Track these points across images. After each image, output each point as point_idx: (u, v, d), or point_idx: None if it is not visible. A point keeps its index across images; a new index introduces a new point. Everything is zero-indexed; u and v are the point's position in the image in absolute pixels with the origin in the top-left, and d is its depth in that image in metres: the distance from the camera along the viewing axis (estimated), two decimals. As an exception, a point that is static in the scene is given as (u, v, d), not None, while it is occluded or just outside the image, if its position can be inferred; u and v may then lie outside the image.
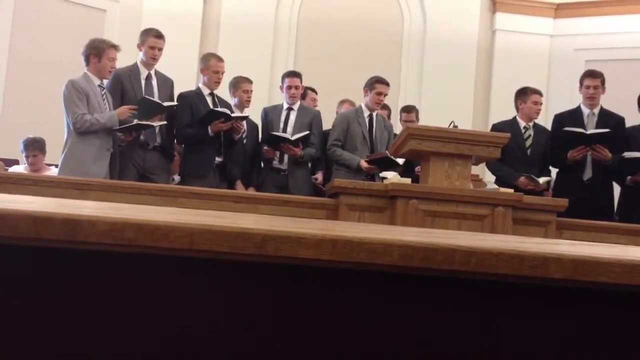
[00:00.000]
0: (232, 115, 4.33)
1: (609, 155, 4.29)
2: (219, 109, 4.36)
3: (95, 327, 0.88)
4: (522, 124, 4.60)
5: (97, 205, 1.26)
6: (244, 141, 4.69)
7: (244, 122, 4.63)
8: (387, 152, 4.44)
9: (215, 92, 4.57)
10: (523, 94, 4.64)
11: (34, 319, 0.87)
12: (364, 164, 4.46)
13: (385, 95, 4.72)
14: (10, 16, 6.52)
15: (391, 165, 4.41)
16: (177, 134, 4.42)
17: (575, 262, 0.92)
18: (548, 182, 4.43)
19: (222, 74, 4.55)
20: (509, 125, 4.53)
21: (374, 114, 4.73)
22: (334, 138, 4.61)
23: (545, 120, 5.13)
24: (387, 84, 4.72)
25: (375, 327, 0.94)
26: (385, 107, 5.31)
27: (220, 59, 4.61)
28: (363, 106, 4.74)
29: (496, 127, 4.57)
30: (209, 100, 4.49)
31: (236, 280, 0.91)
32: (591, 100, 4.50)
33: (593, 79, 4.50)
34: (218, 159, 4.41)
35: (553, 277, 0.92)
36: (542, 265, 0.91)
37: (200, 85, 4.58)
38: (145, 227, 0.83)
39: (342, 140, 4.60)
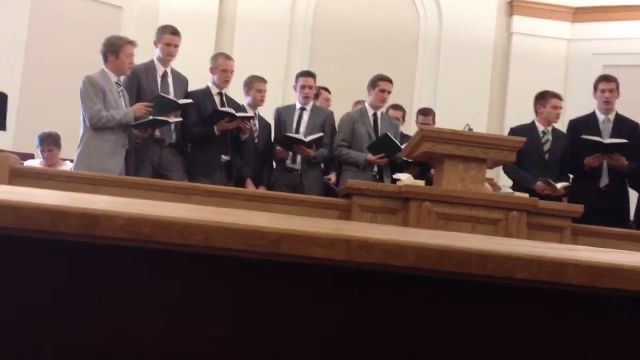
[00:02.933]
0: (238, 115, 4.33)
1: (626, 162, 4.25)
2: (223, 109, 4.36)
3: (110, 321, 0.88)
4: (540, 128, 4.55)
5: (114, 201, 1.27)
6: (256, 140, 4.70)
7: (256, 122, 4.63)
8: (387, 133, 4.46)
9: (225, 91, 4.57)
10: (542, 99, 4.59)
11: (49, 313, 0.87)
12: (370, 157, 4.47)
13: (389, 92, 4.69)
14: (27, 14, 6.57)
15: (394, 149, 4.40)
16: (184, 133, 4.42)
17: (594, 269, 0.91)
18: (566, 188, 4.38)
19: (232, 72, 4.55)
20: (528, 130, 4.48)
21: (379, 113, 4.72)
22: (340, 139, 4.61)
23: (563, 124, 5.08)
24: (391, 81, 4.69)
25: (389, 328, 0.93)
26: (400, 108, 5.29)
27: (228, 58, 4.61)
28: (367, 105, 4.73)
29: (514, 131, 4.52)
30: (217, 99, 4.50)
31: (250, 278, 0.91)
32: (607, 104, 4.45)
33: (608, 83, 4.46)
34: (225, 158, 4.42)
35: (571, 283, 0.90)
36: (560, 271, 0.90)
37: (210, 84, 4.58)
38: (162, 223, 0.83)
39: (349, 141, 4.60)
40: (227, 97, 4.58)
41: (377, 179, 4.49)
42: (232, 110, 4.33)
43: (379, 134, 4.61)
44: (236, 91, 4.82)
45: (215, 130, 4.30)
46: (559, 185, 4.24)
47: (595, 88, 4.52)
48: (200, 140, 4.40)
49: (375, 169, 4.59)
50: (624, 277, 0.91)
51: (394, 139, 4.43)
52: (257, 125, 4.72)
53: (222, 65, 4.52)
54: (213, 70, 4.57)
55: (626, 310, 0.95)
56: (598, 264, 0.91)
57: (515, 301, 0.95)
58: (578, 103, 6.34)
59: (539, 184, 4.27)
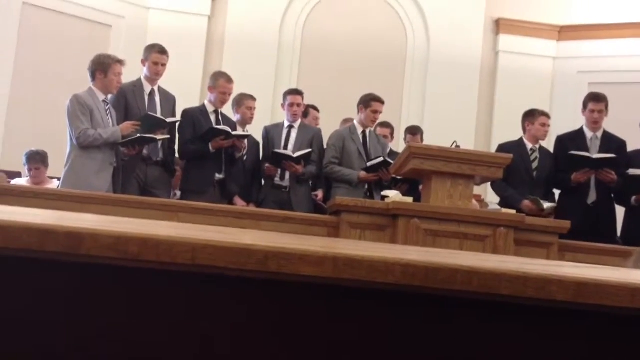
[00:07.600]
0: (233, 133, 4.35)
1: (615, 177, 4.28)
2: (218, 127, 4.38)
3: (96, 341, 0.87)
4: (529, 145, 4.59)
5: (101, 219, 1.26)
6: (244, 158, 4.71)
7: (245, 140, 4.65)
8: (386, 159, 4.48)
9: (220, 109, 4.60)
10: (531, 116, 4.63)
11: (36, 332, 0.86)
12: (363, 174, 4.48)
13: (381, 113, 4.74)
14: (16, 30, 6.57)
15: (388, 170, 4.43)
16: (179, 149, 4.44)
17: (578, 285, 0.92)
18: (553, 209, 4.39)
19: (229, 95, 4.59)
20: (516, 146, 4.52)
21: (367, 131, 4.75)
22: (331, 156, 4.63)
23: (549, 141, 5.13)
24: (383, 102, 4.73)
25: (376, 346, 0.93)
26: (388, 125, 5.33)
27: (230, 80, 4.61)
28: (356, 123, 4.76)
29: (503, 148, 4.55)
30: (212, 117, 4.52)
31: (238, 297, 0.91)
32: (595, 124, 4.50)
33: (597, 103, 4.49)
34: (219, 176, 4.42)
35: (556, 300, 0.91)
36: (545, 287, 0.91)
37: (206, 102, 4.60)
38: (149, 241, 0.83)
39: (339, 158, 4.62)
40: (222, 114, 4.61)
41: (367, 196, 4.51)
42: (227, 128, 4.35)
43: (369, 152, 4.64)
44: (226, 109, 4.83)
45: (210, 148, 4.31)
46: (546, 206, 4.26)
47: (585, 106, 4.56)
48: (194, 157, 4.41)
49: (366, 186, 4.61)
50: (608, 293, 0.92)
51: (390, 161, 4.41)
52: (246, 143, 4.74)
53: (222, 86, 4.53)
54: (211, 89, 4.58)
55: (610, 326, 0.96)
56: (582, 280, 0.92)
57: (501, 317, 0.95)
58: (564, 120, 6.41)
59: (526, 202, 4.28)
